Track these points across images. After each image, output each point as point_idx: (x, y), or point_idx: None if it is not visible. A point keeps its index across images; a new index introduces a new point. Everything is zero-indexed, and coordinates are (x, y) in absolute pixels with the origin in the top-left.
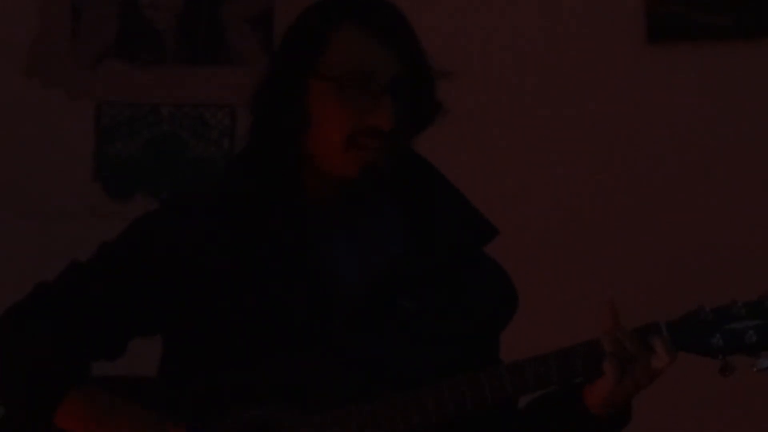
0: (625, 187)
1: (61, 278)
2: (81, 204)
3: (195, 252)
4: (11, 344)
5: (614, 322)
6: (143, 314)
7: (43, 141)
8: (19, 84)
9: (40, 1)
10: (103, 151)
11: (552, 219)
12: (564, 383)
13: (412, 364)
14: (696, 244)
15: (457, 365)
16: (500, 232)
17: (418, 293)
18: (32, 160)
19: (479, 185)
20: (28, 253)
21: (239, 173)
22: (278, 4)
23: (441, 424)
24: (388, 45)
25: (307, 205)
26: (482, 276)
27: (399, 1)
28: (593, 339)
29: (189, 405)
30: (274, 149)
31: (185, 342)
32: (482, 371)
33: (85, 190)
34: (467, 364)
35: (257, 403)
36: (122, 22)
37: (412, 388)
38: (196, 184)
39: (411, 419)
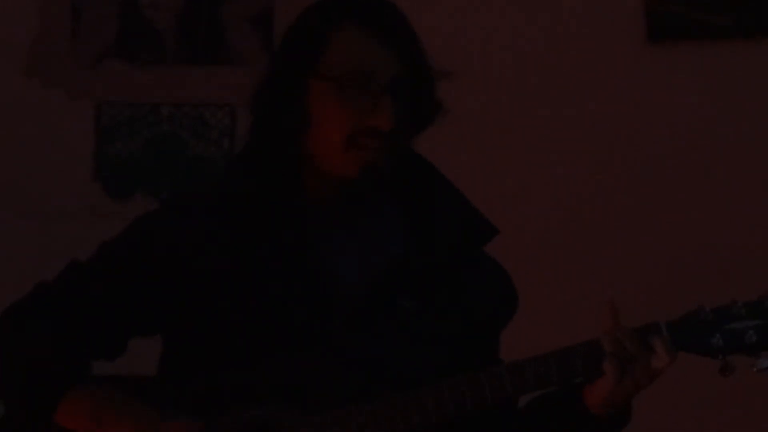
0: (625, 187)
1: (60, 278)
2: (81, 204)
3: (195, 252)
4: (11, 344)
5: (614, 322)
6: (143, 314)
7: (43, 141)
8: (19, 84)
9: (40, 1)
10: (103, 151)
11: (552, 219)
12: (564, 383)
13: (412, 364)
14: (696, 244)
15: (457, 365)
16: (500, 232)
17: (418, 293)
18: (32, 160)
19: (479, 185)
20: (28, 253)
21: (239, 173)
22: (278, 4)
23: (441, 424)
24: (388, 45)
25: (307, 205)
26: (482, 276)
27: (399, 1)
28: (593, 339)
29: (189, 405)
30: (274, 149)
31: (185, 342)
32: (482, 371)
33: (85, 190)
34: (467, 364)
35: (257, 403)
36: (122, 21)
37: (412, 388)
38: (196, 183)
39: (411, 419)
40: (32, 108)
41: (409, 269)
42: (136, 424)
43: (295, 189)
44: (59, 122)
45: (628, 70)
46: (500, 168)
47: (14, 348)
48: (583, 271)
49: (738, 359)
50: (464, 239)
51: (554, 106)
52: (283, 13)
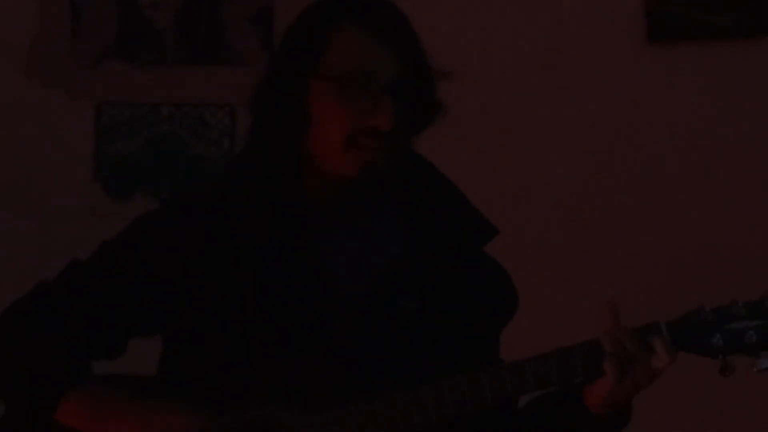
0: (625, 187)
1: (60, 277)
2: (81, 204)
3: (195, 252)
4: (11, 343)
5: (614, 322)
6: (143, 314)
7: (43, 141)
8: (19, 84)
9: (40, 1)
10: (103, 151)
11: (552, 219)
12: (564, 383)
13: (412, 364)
14: (696, 244)
15: (457, 365)
16: (500, 232)
17: (418, 293)
18: (32, 160)
19: (479, 185)
20: (28, 253)
21: (239, 173)
22: (278, 4)
23: (441, 424)
24: (389, 45)
25: (307, 205)
26: (482, 275)
27: (399, 1)
28: (593, 339)
29: (189, 405)
30: (274, 149)
31: (185, 342)
32: (482, 371)
33: (85, 190)
34: (467, 364)
35: (257, 403)
36: (122, 21)
37: (412, 388)
38: (196, 183)
39: (411, 419)
40: (32, 108)
41: (409, 269)
42: (138, 422)
43: (295, 189)
44: (59, 122)
45: (628, 70)
46: (500, 168)
47: (14, 347)
48: (583, 271)
49: (738, 359)
50: (464, 239)
51: (554, 106)
52: (283, 13)
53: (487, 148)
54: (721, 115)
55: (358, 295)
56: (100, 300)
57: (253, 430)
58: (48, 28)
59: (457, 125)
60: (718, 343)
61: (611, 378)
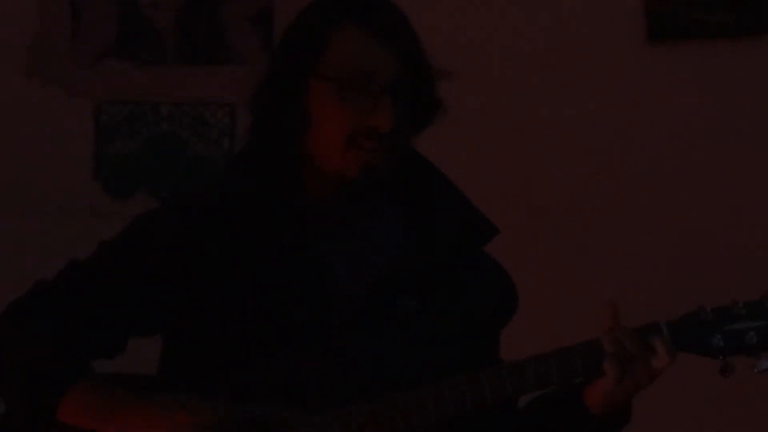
0: (625, 187)
1: (60, 276)
2: (81, 203)
3: (195, 251)
4: (11, 343)
5: (614, 322)
6: (142, 313)
7: (43, 140)
8: (18, 84)
9: (40, 0)
10: (103, 151)
11: (552, 219)
12: (564, 383)
13: (412, 363)
14: (696, 244)
15: (457, 365)
16: (500, 232)
17: (418, 293)
18: (32, 160)
19: (479, 185)
20: (28, 253)
21: (239, 173)
22: (278, 3)
23: (441, 424)
24: (389, 45)
25: (307, 205)
26: (482, 275)
27: (399, 1)
28: (593, 339)
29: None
30: (274, 149)
31: (185, 341)
32: (482, 371)
33: (85, 190)
34: (467, 364)
35: (257, 403)
36: (122, 21)
37: (412, 388)
38: (196, 183)
39: (411, 419)
40: (32, 107)
41: (409, 269)
42: (141, 419)
43: (295, 189)
44: (59, 122)
45: (628, 70)
46: (500, 168)
47: (14, 347)
48: (583, 271)
49: (738, 360)
50: (464, 239)
51: (554, 106)
52: (283, 13)
53: (487, 148)
54: (721, 115)
55: (358, 294)
56: (100, 299)
57: (253, 429)
58: (48, 28)
59: (457, 125)
60: (718, 343)
61: (611, 378)
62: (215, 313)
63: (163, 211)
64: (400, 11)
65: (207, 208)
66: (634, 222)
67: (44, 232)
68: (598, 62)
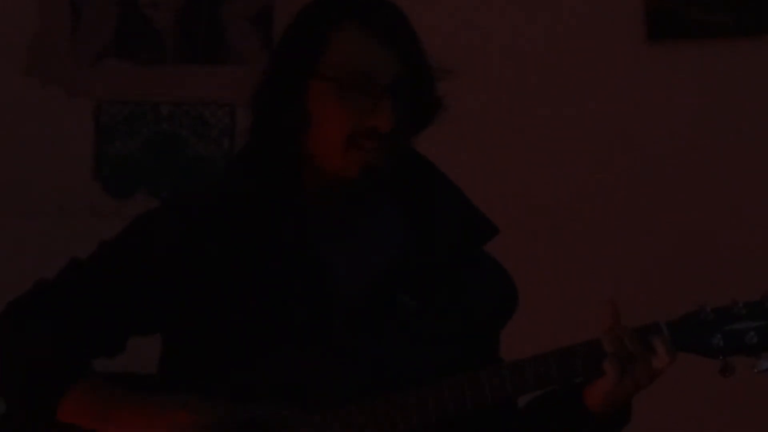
0: (625, 186)
1: (60, 276)
2: (81, 203)
3: (195, 251)
4: (11, 342)
5: (615, 322)
6: (142, 312)
7: (43, 140)
8: (18, 83)
9: (40, 0)
10: (103, 150)
11: (552, 219)
12: (564, 383)
13: (412, 363)
14: (696, 244)
15: (457, 364)
16: (500, 231)
17: (418, 292)
18: (32, 160)
19: (479, 185)
20: (28, 253)
21: (239, 173)
22: (278, 3)
23: (441, 423)
24: (389, 45)
25: (307, 205)
26: (482, 275)
27: (399, 1)
28: (593, 339)
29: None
30: (273, 149)
31: (185, 341)
32: (482, 371)
33: (85, 189)
34: (467, 363)
35: (257, 403)
36: (122, 20)
37: (412, 387)
38: (196, 183)
39: (411, 419)
40: (32, 107)
41: (409, 268)
42: (142, 418)
43: (295, 189)
44: (59, 121)
45: (628, 70)
46: (500, 167)
47: (14, 347)
48: (583, 271)
49: (738, 360)
50: (464, 238)
51: (554, 105)
52: (283, 12)
53: (487, 148)
54: (721, 115)
55: (358, 294)
56: (100, 298)
57: (253, 428)
58: (48, 27)
59: (457, 125)
60: (718, 343)
61: (611, 378)
62: (215, 313)
63: (163, 211)
64: (400, 11)
65: (207, 208)
66: (634, 222)
67: (44, 232)
68: (598, 62)
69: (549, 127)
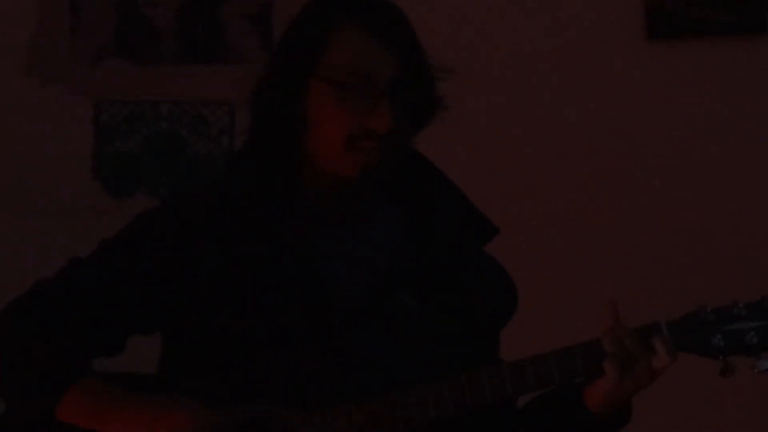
0: (625, 186)
1: (60, 275)
2: (81, 202)
3: (195, 250)
4: (11, 341)
5: (615, 322)
6: (142, 312)
7: (43, 139)
8: (18, 82)
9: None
10: (103, 150)
11: (552, 219)
12: (564, 383)
13: (412, 362)
14: (696, 244)
15: (457, 364)
16: (500, 231)
17: (418, 292)
18: (32, 159)
19: (479, 185)
20: (28, 253)
21: (239, 172)
22: (278, 2)
23: (441, 423)
24: (389, 45)
25: (307, 204)
26: (482, 275)
27: (399, 1)
28: (593, 339)
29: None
30: (273, 148)
31: (185, 340)
32: (482, 371)
33: (85, 189)
34: (467, 363)
35: (257, 403)
36: (121, 20)
37: (412, 387)
38: (195, 182)
39: (411, 419)
40: (32, 106)
41: (409, 268)
42: (141, 418)
43: (295, 189)
44: (59, 120)
45: (628, 68)
46: (500, 168)
47: (14, 346)
48: (583, 271)
49: (738, 360)
50: (464, 238)
51: (554, 105)
52: (283, 12)
53: (487, 148)
54: (721, 114)
55: (358, 294)
56: (100, 297)
57: (253, 428)
58: (47, 27)
59: (457, 125)
60: (718, 343)
61: (611, 378)
62: (215, 313)
63: (163, 210)
64: (400, 11)
65: (207, 208)
66: (634, 222)
67: (44, 232)
68: (598, 61)
69: (549, 127)
